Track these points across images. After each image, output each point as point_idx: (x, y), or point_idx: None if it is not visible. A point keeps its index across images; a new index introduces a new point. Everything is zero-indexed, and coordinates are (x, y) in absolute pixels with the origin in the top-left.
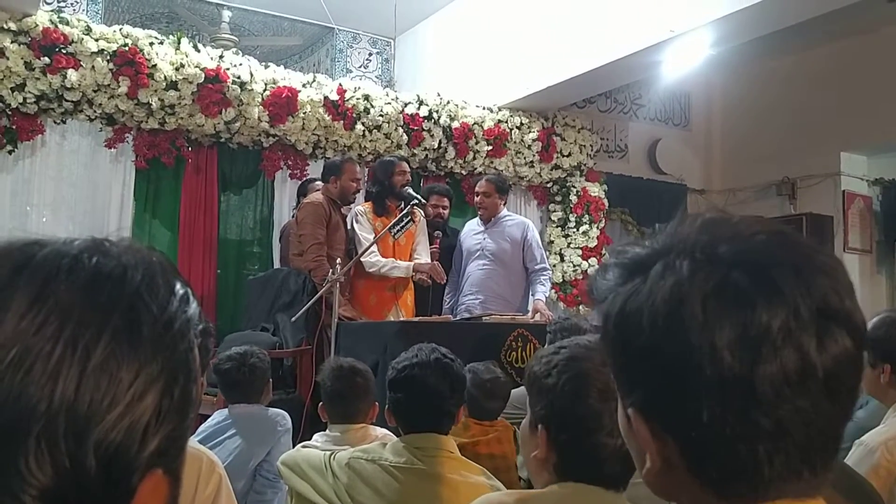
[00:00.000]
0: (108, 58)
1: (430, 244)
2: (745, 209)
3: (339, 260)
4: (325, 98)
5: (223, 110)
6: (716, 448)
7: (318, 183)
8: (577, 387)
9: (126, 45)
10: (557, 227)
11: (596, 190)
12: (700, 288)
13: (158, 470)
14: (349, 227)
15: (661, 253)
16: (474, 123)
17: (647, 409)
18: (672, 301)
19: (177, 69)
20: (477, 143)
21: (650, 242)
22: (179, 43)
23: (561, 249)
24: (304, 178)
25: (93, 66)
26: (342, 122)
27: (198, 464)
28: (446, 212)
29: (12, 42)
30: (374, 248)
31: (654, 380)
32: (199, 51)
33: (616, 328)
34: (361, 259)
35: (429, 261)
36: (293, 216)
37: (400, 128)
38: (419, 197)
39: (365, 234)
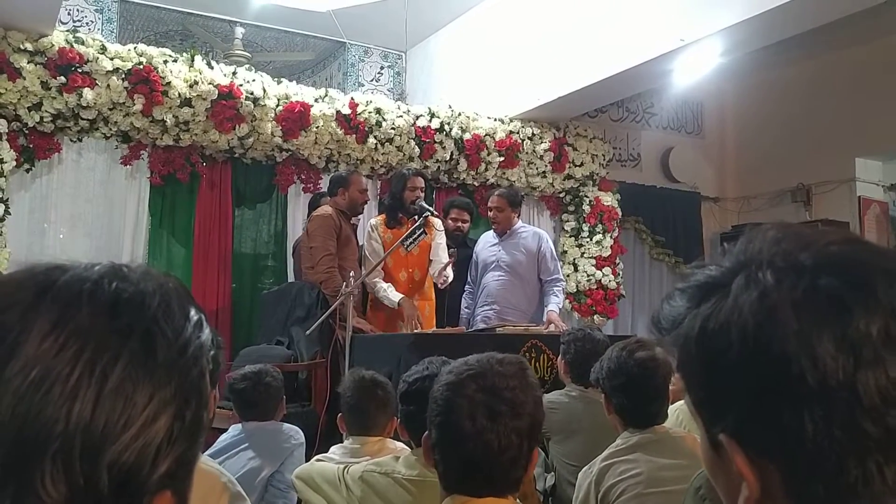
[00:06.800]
0: (123, 76)
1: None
2: (760, 217)
3: (352, 273)
4: (338, 112)
5: (237, 126)
6: (823, 464)
7: (327, 198)
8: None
9: (140, 63)
10: (571, 236)
11: (609, 199)
12: (789, 295)
13: (167, 492)
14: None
15: (737, 268)
16: (486, 135)
17: (742, 432)
18: (761, 311)
19: (191, 86)
20: (489, 154)
21: (719, 262)
22: (193, 60)
23: (574, 259)
24: (315, 192)
25: (108, 85)
26: (354, 135)
27: (210, 481)
28: (466, 225)
29: (29, 62)
30: (377, 267)
31: (749, 398)
32: (212, 67)
33: (699, 349)
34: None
35: (446, 261)
36: (305, 230)
37: (412, 140)
38: (431, 209)
39: (371, 251)
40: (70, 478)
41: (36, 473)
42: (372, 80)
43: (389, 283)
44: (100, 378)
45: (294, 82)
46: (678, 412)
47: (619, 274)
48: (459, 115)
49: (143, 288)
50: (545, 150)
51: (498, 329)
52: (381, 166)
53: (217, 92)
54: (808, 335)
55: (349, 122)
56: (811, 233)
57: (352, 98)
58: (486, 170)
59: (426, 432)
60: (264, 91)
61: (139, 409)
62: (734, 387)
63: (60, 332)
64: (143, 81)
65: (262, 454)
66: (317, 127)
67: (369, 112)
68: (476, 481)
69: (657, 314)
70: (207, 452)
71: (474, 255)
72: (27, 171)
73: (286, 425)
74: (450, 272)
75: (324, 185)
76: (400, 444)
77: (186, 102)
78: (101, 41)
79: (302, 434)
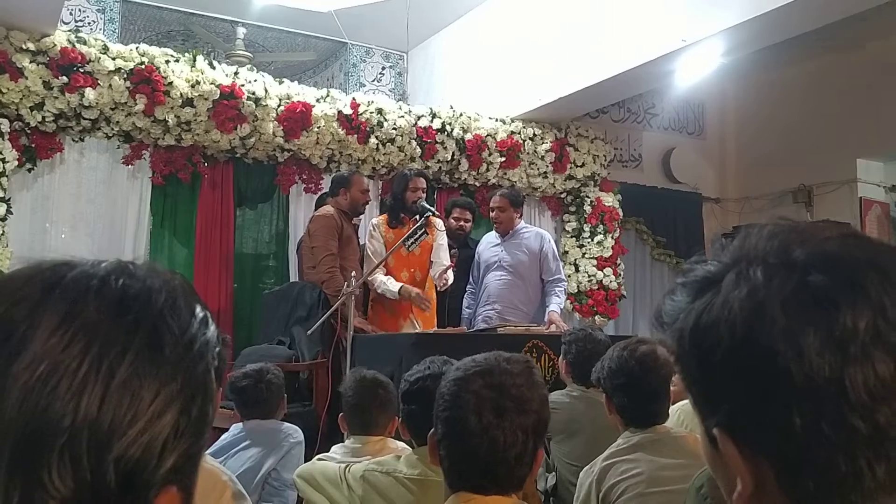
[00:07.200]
0: (125, 76)
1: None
2: (761, 217)
3: (353, 273)
4: (339, 112)
5: (238, 126)
6: (813, 460)
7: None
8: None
9: (142, 63)
10: (572, 237)
11: (610, 200)
12: (778, 292)
13: (173, 487)
14: (363, 238)
15: (732, 265)
16: (487, 135)
17: (734, 426)
18: (749, 308)
19: (192, 86)
20: (490, 154)
21: (717, 258)
22: (195, 60)
23: (576, 260)
24: (321, 193)
25: (110, 85)
26: (356, 135)
27: (211, 479)
28: (468, 225)
29: (31, 62)
30: (377, 263)
31: (739, 393)
32: (214, 68)
33: (692, 344)
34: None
35: (447, 264)
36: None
37: (413, 140)
38: (432, 209)
39: (373, 250)
40: (77, 472)
41: (43, 467)
42: (373, 81)
43: (388, 276)
44: (107, 373)
45: (296, 82)
46: (679, 412)
47: (620, 274)
48: (461, 115)
49: (149, 284)
50: (546, 151)
51: (499, 329)
52: (383, 166)
53: (219, 92)
54: (794, 332)
55: (351, 123)
56: (808, 228)
57: (353, 98)
58: (488, 170)
59: (432, 428)
60: (266, 91)
61: (146, 403)
62: (725, 382)
63: (68, 328)
64: (145, 81)
65: (262, 452)
66: (318, 127)
67: (371, 112)
68: (481, 478)
69: (659, 309)
70: (208, 451)
71: (476, 255)
72: (29, 170)
73: (285, 424)
74: (450, 275)
75: (325, 185)
76: (401, 444)
77: (188, 102)
78: (103, 41)
79: (301, 433)
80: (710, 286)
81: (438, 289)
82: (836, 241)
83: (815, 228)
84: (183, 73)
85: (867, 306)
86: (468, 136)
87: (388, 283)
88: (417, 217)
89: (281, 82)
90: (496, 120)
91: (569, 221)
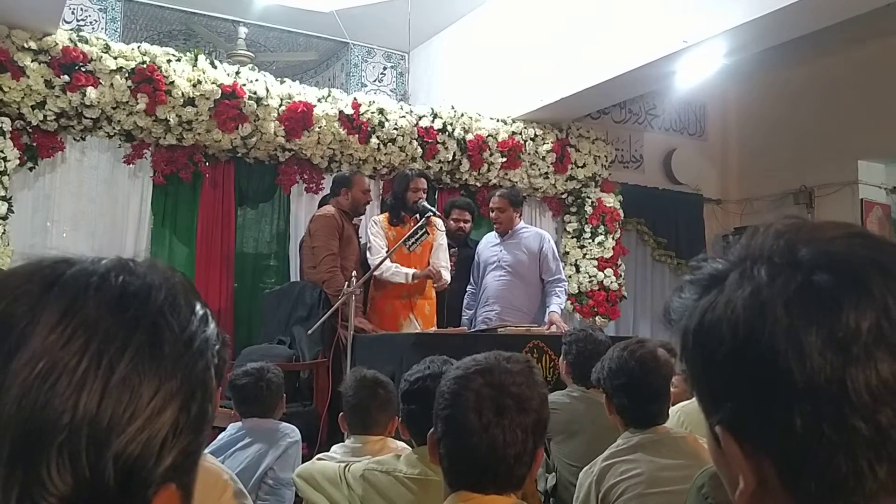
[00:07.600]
0: (127, 75)
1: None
2: (762, 219)
3: (353, 272)
4: (340, 112)
5: (240, 126)
6: (814, 460)
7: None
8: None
9: (144, 62)
10: (573, 238)
11: (611, 200)
12: (782, 291)
13: (172, 484)
14: (363, 236)
15: (737, 263)
16: (488, 135)
17: (736, 425)
18: (753, 307)
19: (194, 85)
20: (491, 155)
21: (724, 255)
22: (196, 60)
23: (576, 260)
24: (324, 195)
25: (111, 84)
26: (357, 135)
27: (212, 478)
28: (468, 225)
29: (33, 61)
30: (383, 255)
31: (742, 391)
32: (215, 67)
33: (696, 342)
34: (370, 263)
35: (445, 265)
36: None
37: (414, 141)
38: (433, 210)
39: (377, 241)
40: (76, 469)
41: (42, 464)
42: (375, 81)
43: (394, 263)
44: (106, 370)
45: (297, 82)
46: (679, 413)
47: (620, 275)
48: (462, 115)
49: (149, 281)
50: (547, 152)
51: (500, 330)
52: (384, 167)
53: (220, 91)
54: (796, 331)
55: (352, 123)
56: (815, 227)
57: (354, 98)
58: (489, 171)
59: (432, 427)
60: (267, 91)
61: (145, 401)
62: (728, 381)
63: (67, 325)
64: (147, 81)
65: (260, 451)
66: (319, 127)
67: (372, 112)
68: (480, 477)
69: (668, 306)
70: (207, 450)
71: (476, 255)
72: (30, 169)
73: (283, 423)
74: (447, 276)
75: (326, 185)
76: (401, 444)
77: (190, 102)
78: (104, 40)
79: (297, 432)
80: (715, 284)
81: (437, 289)
82: (841, 240)
83: (821, 227)
84: (184, 72)
85: (870, 306)
86: (469, 137)
87: (400, 268)
88: (418, 217)
89: (282, 82)
90: (497, 120)
91: (570, 222)
